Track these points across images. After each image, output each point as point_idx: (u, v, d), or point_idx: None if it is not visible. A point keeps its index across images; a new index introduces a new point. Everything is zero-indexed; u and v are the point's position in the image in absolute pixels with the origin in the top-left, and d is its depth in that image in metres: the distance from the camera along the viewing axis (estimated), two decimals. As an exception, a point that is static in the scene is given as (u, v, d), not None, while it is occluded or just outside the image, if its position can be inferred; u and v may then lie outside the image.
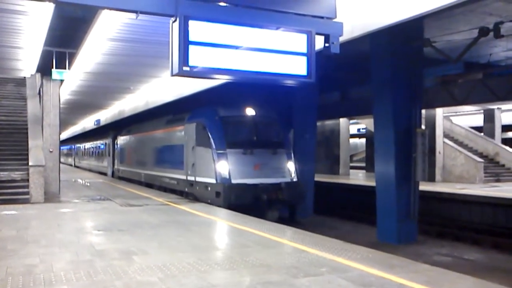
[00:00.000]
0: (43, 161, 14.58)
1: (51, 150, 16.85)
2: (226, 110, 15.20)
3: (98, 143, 36.09)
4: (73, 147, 55.61)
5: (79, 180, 25.56)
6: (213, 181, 13.97)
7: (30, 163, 14.29)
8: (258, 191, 13.37)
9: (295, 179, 14.48)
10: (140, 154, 23.18)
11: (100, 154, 35.38)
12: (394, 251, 9.87)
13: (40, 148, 15.29)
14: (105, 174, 32.33)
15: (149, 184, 21.09)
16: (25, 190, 14.19)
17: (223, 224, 10.22)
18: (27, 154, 14.96)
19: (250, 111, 15.16)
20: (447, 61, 13.35)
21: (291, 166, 14.61)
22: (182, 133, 16.67)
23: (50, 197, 15.21)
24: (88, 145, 42.23)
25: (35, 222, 10.43)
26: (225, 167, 13.82)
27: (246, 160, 14.02)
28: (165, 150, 18.86)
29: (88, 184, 23.15)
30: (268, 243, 8.08)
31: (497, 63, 15.71)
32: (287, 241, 8.24)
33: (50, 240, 8.38)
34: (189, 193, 15.88)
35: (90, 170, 39.08)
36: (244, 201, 13.08)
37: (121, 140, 27.60)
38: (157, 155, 20.23)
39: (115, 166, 29.01)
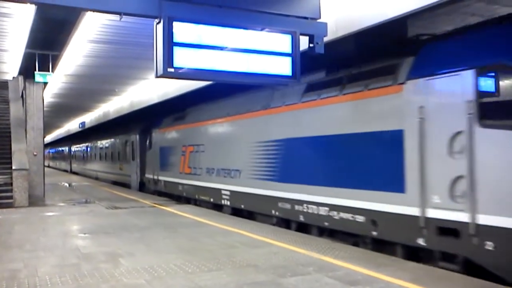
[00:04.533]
0: (27, 165, 14.43)
1: (35, 153, 16.66)
2: None
3: (112, 142, 26.84)
4: (70, 149, 45.65)
5: (65, 184, 25.30)
6: None
7: (13, 167, 14.13)
8: None
9: None
10: (221, 155, 13.02)
11: (114, 157, 25.98)
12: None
13: (23, 152, 15.12)
14: (124, 185, 23.46)
15: (237, 210, 12.11)
16: (9, 194, 14.02)
17: (210, 226, 10.20)
18: (11, 158, 14.78)
19: None
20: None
21: None
22: (398, 104, 7.43)
23: (35, 200, 15.03)
24: (92, 145, 32.91)
25: (19, 227, 10.30)
26: None
27: None
28: (312, 147, 9.37)
29: (74, 187, 22.93)
30: (255, 243, 8.09)
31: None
32: (274, 240, 8.25)
33: (34, 244, 8.28)
34: (447, 254, 6.61)
35: (96, 179, 30.50)
36: None
37: (164, 135, 17.90)
38: (280, 158, 10.25)
39: (149, 175, 19.61)
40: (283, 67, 7.08)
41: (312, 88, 9.57)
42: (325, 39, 7.57)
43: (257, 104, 11.46)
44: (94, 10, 6.59)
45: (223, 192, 12.69)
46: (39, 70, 15.57)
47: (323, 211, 8.83)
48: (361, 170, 8.07)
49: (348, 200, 8.24)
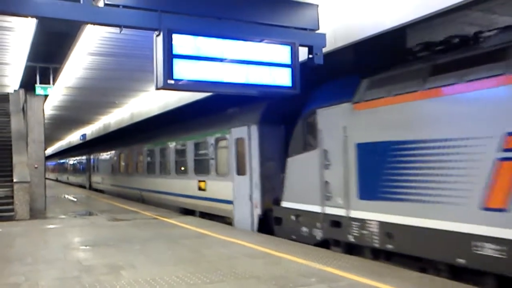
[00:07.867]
0: (28, 177, 14.43)
1: (36, 166, 16.68)
2: None
3: (179, 144, 16.41)
4: (89, 158, 34.18)
5: (65, 196, 25.27)
6: None
7: (14, 180, 14.13)
8: None
9: None
10: None
11: (185, 168, 15.77)
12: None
13: (24, 164, 15.13)
14: (214, 217, 13.52)
15: None
16: (10, 207, 14.00)
17: (211, 237, 10.18)
18: (11, 171, 14.78)
19: None
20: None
21: None
22: None
23: (36, 213, 15.01)
24: (133, 151, 22.18)
25: (20, 240, 10.28)
26: None
27: None
28: None
29: (75, 199, 22.91)
30: (256, 254, 8.06)
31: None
32: (275, 251, 8.22)
33: (35, 257, 8.26)
34: None
35: (142, 201, 20.47)
36: None
37: (378, 116, 7.60)
38: None
39: (301, 205, 9.44)
40: (283, 77, 7.12)
41: None
42: (324, 50, 7.61)
43: None
44: (94, 23, 6.64)
45: None
46: (39, 83, 15.64)
47: None
48: None
49: None
